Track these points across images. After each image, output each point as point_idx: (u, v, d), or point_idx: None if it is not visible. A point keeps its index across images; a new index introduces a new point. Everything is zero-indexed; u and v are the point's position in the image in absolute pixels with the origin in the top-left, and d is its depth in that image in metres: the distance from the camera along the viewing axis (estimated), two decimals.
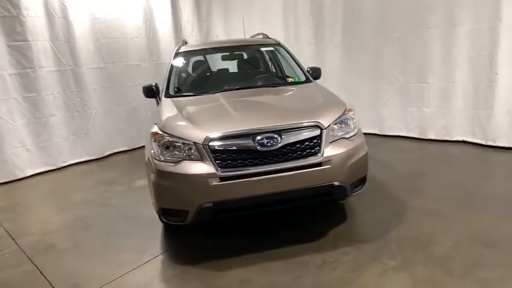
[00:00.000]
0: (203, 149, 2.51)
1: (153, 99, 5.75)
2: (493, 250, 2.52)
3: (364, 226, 3.06)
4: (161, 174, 2.56)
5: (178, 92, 3.58)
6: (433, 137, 5.00)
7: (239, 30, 6.97)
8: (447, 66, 4.69)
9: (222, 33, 7.21)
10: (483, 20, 4.29)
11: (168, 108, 3.12)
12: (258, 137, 2.52)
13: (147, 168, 2.87)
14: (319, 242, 2.84)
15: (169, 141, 2.62)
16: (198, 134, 2.56)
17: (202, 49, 4.35)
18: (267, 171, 2.50)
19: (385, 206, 3.34)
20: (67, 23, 5.41)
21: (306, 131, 2.61)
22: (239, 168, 2.49)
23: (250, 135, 2.53)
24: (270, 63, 4.36)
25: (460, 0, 4.42)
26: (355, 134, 2.81)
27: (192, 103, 3.20)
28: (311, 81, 3.73)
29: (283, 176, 2.51)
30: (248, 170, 2.49)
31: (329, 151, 2.60)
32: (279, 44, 4.28)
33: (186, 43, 4.51)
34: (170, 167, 2.55)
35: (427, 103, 4.97)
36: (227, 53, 4.25)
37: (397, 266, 2.44)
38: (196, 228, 3.16)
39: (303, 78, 3.79)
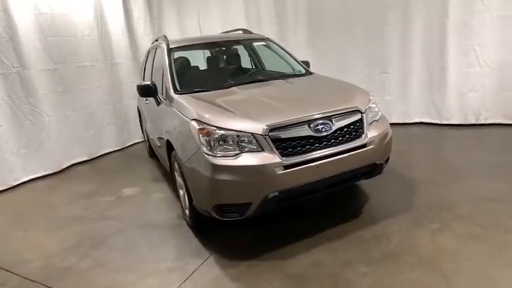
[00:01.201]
0: (264, 140, 2.49)
1: (111, 104, 5.37)
2: (501, 204, 3.03)
3: (389, 200, 3.34)
4: (220, 169, 2.46)
5: (187, 88, 3.41)
6: (395, 121, 5.64)
7: (194, 28, 6.83)
8: (404, 57, 5.35)
9: (176, 30, 6.95)
10: (433, 17, 5.02)
11: (195, 103, 2.97)
12: (314, 124, 2.61)
13: (189, 169, 2.72)
14: (359, 220, 3.05)
15: (222, 134, 2.53)
16: (255, 125, 2.53)
17: (196, 44, 4.19)
18: (324, 156, 2.60)
19: (395, 181, 3.69)
20: (8, 17, 4.65)
21: (350, 116, 2.77)
22: (299, 156, 2.54)
23: (306, 122, 2.60)
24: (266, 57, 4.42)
25: (413, 0, 5.09)
26: (381, 117, 3.08)
27: (219, 97, 3.09)
28: (312, 73, 3.92)
29: (337, 159, 2.63)
30: (308, 156, 2.56)
31: (370, 133, 2.82)
32: (268, 39, 4.37)
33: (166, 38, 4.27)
34: (230, 161, 2.47)
35: (388, 91, 5.59)
36: (223, 48, 4.18)
37: (439, 228, 2.78)
38: (227, 225, 3.08)
39: (303, 71, 3.95)
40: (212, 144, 2.54)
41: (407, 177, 3.76)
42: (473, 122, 5.08)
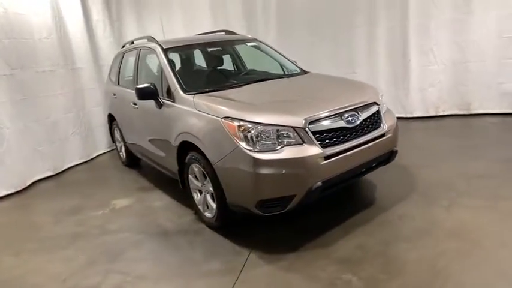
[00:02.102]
0: (305, 132, 2.56)
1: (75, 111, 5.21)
2: (489, 178, 3.46)
3: (394, 186, 3.58)
4: (264, 163, 2.45)
5: (195, 89, 3.31)
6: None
7: (157, 31, 6.60)
8: (371, 57, 5.81)
9: (138, 33, 6.61)
10: (396, 21, 5.55)
11: (219, 101, 2.90)
12: (344, 116, 2.74)
13: (224, 169, 2.67)
14: (377, 205, 3.25)
15: (263, 129, 2.53)
16: (294, 119, 2.58)
17: (189, 45, 4.06)
18: (356, 145, 2.75)
19: (390, 169, 3.89)
20: None
21: (369, 108, 2.97)
22: (336, 146, 2.65)
23: (338, 114, 2.73)
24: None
25: (377, 5, 5.57)
26: (387, 109, 3.34)
27: (238, 95, 3.06)
28: (307, 72, 4.07)
29: (366, 147, 2.80)
30: (344, 146, 2.68)
31: (387, 123, 3.05)
32: (257, 39, 4.43)
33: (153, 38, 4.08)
34: (274, 155, 2.48)
35: None
36: (218, 48, 4.12)
37: (450, 204, 3.09)
38: (255, 223, 3.08)
39: (298, 70, 4.09)
40: (253, 139, 2.53)
41: (398, 164, 4.05)
42: (433, 114, 5.70)
